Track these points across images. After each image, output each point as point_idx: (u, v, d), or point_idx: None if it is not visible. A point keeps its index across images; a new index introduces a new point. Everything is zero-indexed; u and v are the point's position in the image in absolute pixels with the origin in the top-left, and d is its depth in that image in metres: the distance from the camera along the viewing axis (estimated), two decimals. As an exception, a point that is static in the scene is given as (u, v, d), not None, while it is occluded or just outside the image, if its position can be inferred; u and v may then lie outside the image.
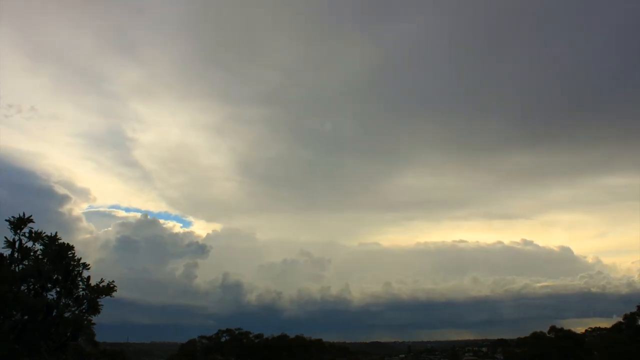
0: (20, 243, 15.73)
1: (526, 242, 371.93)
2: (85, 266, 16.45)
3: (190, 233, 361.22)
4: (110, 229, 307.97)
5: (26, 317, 15.35)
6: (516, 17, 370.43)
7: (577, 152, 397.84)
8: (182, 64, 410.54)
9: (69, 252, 16.20)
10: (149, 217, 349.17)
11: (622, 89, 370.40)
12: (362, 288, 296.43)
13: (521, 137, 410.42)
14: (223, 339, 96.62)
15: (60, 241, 16.23)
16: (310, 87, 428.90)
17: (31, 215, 15.99)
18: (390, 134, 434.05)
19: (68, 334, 16.10)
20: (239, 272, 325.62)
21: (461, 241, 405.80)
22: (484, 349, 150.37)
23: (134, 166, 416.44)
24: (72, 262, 16.20)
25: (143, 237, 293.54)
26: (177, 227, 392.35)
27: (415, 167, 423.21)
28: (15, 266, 15.54)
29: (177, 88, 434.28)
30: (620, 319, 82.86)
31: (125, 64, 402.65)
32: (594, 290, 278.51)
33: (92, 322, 16.33)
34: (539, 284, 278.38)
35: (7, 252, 15.60)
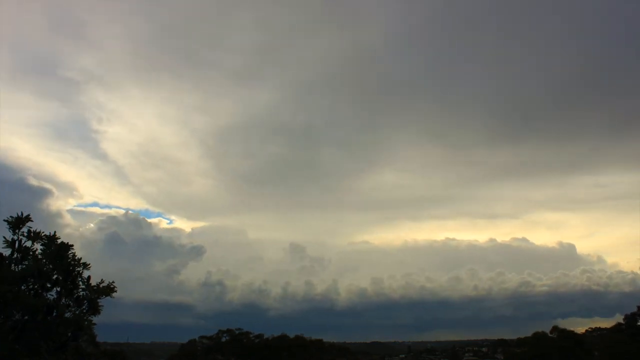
0: (20, 243, 15.64)
1: (520, 240, 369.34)
2: (86, 266, 16.36)
3: (177, 231, 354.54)
4: (92, 225, 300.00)
5: (26, 317, 15.25)
6: (497, 11, 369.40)
7: (562, 148, 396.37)
8: (141, 48, 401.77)
9: (69, 252, 16.11)
10: (130, 213, 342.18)
11: (607, 81, 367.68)
12: (360, 286, 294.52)
13: (505, 133, 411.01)
14: (223, 339, 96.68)
15: (59, 241, 16.14)
16: (281, 75, 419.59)
17: (29, 215, 15.91)
18: (368, 129, 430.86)
19: (68, 334, 16.01)
20: (231, 271, 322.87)
21: (452, 239, 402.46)
22: (484, 349, 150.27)
23: (105, 160, 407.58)
24: (72, 262, 16.11)
25: (130, 235, 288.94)
26: (163, 224, 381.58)
27: (395, 163, 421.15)
28: (14, 266, 15.46)
29: (139, 75, 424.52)
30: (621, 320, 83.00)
31: (80, 48, 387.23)
32: (594, 287, 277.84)
33: (93, 322, 16.25)
34: (538, 282, 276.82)
35: (6, 252, 15.53)
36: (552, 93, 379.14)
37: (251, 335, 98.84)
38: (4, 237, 15.55)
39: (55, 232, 16.16)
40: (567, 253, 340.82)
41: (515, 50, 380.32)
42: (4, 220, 15.68)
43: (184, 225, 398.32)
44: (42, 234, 15.92)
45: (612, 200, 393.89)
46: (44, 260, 15.77)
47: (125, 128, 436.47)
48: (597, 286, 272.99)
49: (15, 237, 15.63)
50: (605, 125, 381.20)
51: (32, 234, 15.79)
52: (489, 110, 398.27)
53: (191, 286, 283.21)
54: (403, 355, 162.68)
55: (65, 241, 16.28)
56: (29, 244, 15.81)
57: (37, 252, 15.84)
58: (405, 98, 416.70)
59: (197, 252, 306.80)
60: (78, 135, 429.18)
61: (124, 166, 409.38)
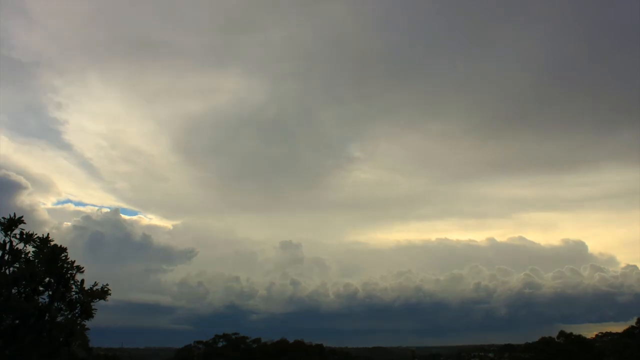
0: (11, 245, 15.74)
1: (519, 239, 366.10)
2: (79, 269, 16.46)
3: (159, 229, 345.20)
4: (70, 224, 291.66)
5: (17, 321, 15.35)
6: (480, 5, 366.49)
7: (550, 144, 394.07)
8: (88, 27, 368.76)
9: (62, 255, 16.20)
10: (107, 211, 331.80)
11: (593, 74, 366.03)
12: (357, 288, 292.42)
13: (490, 130, 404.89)
14: (220, 344, 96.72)
15: (52, 243, 16.24)
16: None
17: (22, 216, 16.01)
18: (344, 125, 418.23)
19: (60, 339, 16.10)
20: (222, 272, 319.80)
21: (444, 239, 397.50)
22: (490, 355, 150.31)
23: (69, 152, 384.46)
24: (65, 265, 16.21)
25: (111, 235, 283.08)
26: (143, 222, 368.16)
27: (374, 160, 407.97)
28: (5, 269, 15.55)
29: (95, 58, 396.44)
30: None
31: (22, 26, 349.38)
32: (603, 288, 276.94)
33: (86, 326, 16.35)
34: (544, 283, 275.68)
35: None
36: (539, 88, 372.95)
37: (248, 340, 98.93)
38: (-5, 239, 15.65)
39: (48, 234, 16.28)
40: (574, 251, 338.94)
41: (501, 45, 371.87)
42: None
43: (165, 223, 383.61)
44: (35, 236, 16.03)
45: (603, 199, 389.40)
46: (37, 263, 15.87)
47: (85, 117, 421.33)
48: (606, 287, 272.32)
49: (7, 239, 15.74)
50: (591, 120, 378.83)
51: (24, 236, 15.89)
52: (474, 105, 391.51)
53: (179, 287, 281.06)
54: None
55: (58, 244, 16.41)
56: (20, 246, 15.93)
57: (29, 255, 15.94)
58: (386, 87, 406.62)
59: (186, 253, 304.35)
60: (37, 123, 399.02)
61: (91, 159, 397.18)
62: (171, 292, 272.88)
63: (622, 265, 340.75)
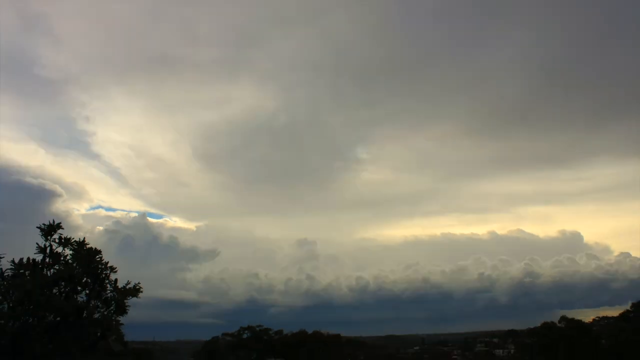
0: (51, 249, 15.93)
1: (519, 231, 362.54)
2: (113, 269, 16.61)
3: (184, 231, 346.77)
4: (101, 228, 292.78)
5: (58, 318, 15.51)
6: (475, 9, 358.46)
7: (545, 141, 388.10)
8: (113, 43, 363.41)
9: (97, 256, 16.36)
10: (136, 215, 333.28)
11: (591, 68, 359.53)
12: (370, 281, 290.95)
13: (491, 129, 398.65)
14: (245, 336, 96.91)
15: (88, 246, 16.40)
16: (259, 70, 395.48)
17: (60, 222, 16.21)
18: (350, 129, 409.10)
19: (98, 334, 16.25)
20: (243, 268, 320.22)
21: (448, 233, 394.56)
22: (495, 340, 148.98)
23: (99, 161, 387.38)
24: (100, 266, 16.36)
25: (141, 238, 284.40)
26: (169, 225, 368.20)
27: (379, 161, 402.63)
28: (47, 271, 15.74)
29: (117, 73, 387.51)
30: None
31: (48, 45, 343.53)
32: (600, 276, 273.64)
33: (120, 322, 16.47)
34: (543, 272, 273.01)
35: (39, 257, 15.82)
36: (535, 88, 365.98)
37: (271, 332, 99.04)
38: (37, 244, 15.85)
39: (84, 238, 16.45)
40: (571, 242, 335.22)
41: (496, 47, 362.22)
42: (37, 228, 16.01)
43: (189, 225, 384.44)
44: (73, 240, 16.21)
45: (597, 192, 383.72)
46: (75, 265, 16.04)
47: (111, 128, 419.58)
48: (602, 274, 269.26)
49: (47, 244, 15.94)
50: (584, 118, 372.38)
51: (63, 240, 16.07)
52: (472, 107, 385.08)
53: (204, 284, 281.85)
54: (417, 347, 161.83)
55: (93, 247, 16.57)
56: (59, 249, 16.12)
57: (67, 257, 16.12)
58: (389, 92, 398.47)
59: (210, 252, 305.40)
60: (68, 135, 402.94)
61: (119, 167, 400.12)
62: (196, 288, 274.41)
63: (616, 253, 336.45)
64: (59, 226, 16.12)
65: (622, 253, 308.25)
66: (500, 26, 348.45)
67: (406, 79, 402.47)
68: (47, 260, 15.81)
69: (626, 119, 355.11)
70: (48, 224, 16.01)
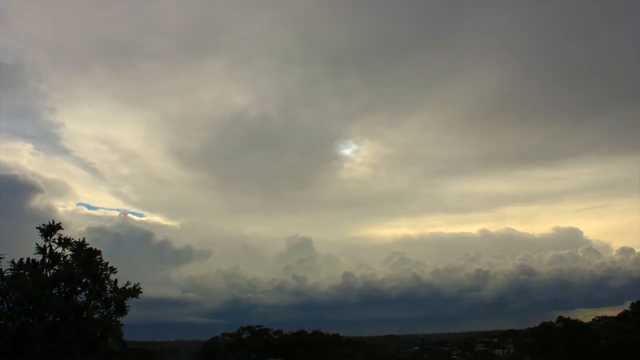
0: (51, 249, 15.93)
1: (511, 229, 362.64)
2: (113, 270, 16.61)
3: (170, 229, 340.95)
4: (85, 227, 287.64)
5: (58, 319, 15.50)
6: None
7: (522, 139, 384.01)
8: (72, 30, 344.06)
9: (97, 257, 16.36)
10: (120, 214, 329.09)
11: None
12: (371, 277, 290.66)
13: (472, 125, 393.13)
14: (244, 336, 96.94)
15: (87, 246, 16.40)
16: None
17: (60, 223, 16.22)
18: (326, 124, 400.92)
19: (98, 335, 16.24)
20: (238, 267, 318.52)
21: (440, 232, 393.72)
22: (495, 340, 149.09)
23: (71, 156, 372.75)
24: (99, 266, 16.36)
25: (128, 236, 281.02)
26: (154, 222, 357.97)
27: (356, 158, 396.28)
28: (46, 271, 15.74)
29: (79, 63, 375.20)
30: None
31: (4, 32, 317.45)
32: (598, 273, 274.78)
33: (120, 322, 16.47)
34: (541, 270, 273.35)
35: (38, 257, 15.82)
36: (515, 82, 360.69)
37: (270, 332, 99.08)
38: (37, 244, 15.85)
39: (84, 238, 16.44)
40: (566, 238, 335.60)
41: (475, 39, 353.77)
42: (37, 228, 16.01)
43: (172, 223, 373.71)
44: (72, 240, 16.21)
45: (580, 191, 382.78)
46: (74, 265, 16.03)
47: (79, 122, 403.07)
48: (601, 272, 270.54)
49: (47, 244, 15.94)
50: (567, 114, 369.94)
51: (62, 241, 16.07)
52: (451, 100, 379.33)
53: (190, 282, 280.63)
54: (417, 347, 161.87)
55: (93, 247, 16.56)
56: (59, 249, 16.11)
57: (67, 258, 16.12)
58: (363, 83, 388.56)
59: (194, 251, 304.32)
60: (35, 128, 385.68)
61: (93, 163, 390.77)
62: (182, 287, 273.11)
63: (612, 251, 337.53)
64: (58, 226, 16.13)
65: (619, 249, 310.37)
66: (480, 17, 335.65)
67: (380, 70, 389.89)
68: (47, 260, 15.81)
69: (609, 115, 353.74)
70: (48, 224, 16.03)
